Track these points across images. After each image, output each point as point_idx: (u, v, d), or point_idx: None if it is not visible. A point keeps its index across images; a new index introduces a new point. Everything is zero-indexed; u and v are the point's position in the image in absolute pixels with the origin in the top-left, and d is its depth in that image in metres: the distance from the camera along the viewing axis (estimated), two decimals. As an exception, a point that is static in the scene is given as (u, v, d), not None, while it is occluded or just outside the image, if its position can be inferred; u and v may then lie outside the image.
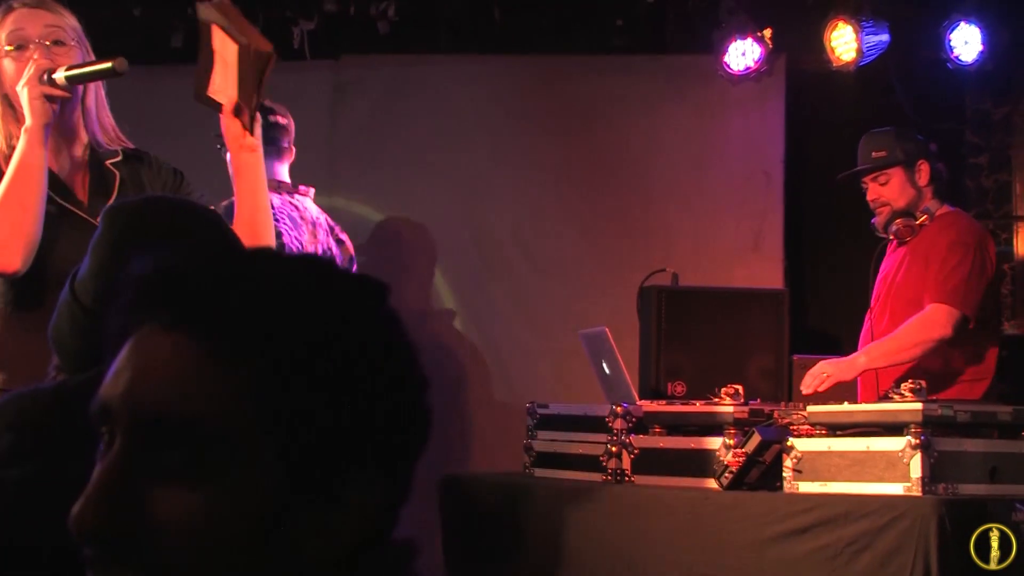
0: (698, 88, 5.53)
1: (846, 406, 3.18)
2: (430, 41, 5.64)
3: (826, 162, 5.45)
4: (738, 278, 5.25)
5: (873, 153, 4.02)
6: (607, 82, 5.56)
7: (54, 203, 2.63)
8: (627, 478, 3.51)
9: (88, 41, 2.74)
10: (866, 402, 3.61)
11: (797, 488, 3.10)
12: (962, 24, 5.09)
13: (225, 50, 2.62)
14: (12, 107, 2.65)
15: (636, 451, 3.50)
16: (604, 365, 3.82)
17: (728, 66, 5.31)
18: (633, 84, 5.55)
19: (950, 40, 5.11)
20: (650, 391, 3.87)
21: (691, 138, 5.53)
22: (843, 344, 4.45)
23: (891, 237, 4.02)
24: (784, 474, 3.12)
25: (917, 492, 2.89)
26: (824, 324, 5.60)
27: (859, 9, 5.07)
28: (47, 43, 2.64)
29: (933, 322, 3.76)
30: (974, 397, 3.76)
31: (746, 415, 3.29)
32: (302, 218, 4.27)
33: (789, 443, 3.12)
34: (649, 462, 3.48)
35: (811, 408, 3.19)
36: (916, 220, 3.96)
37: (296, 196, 4.31)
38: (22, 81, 2.58)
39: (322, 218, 4.37)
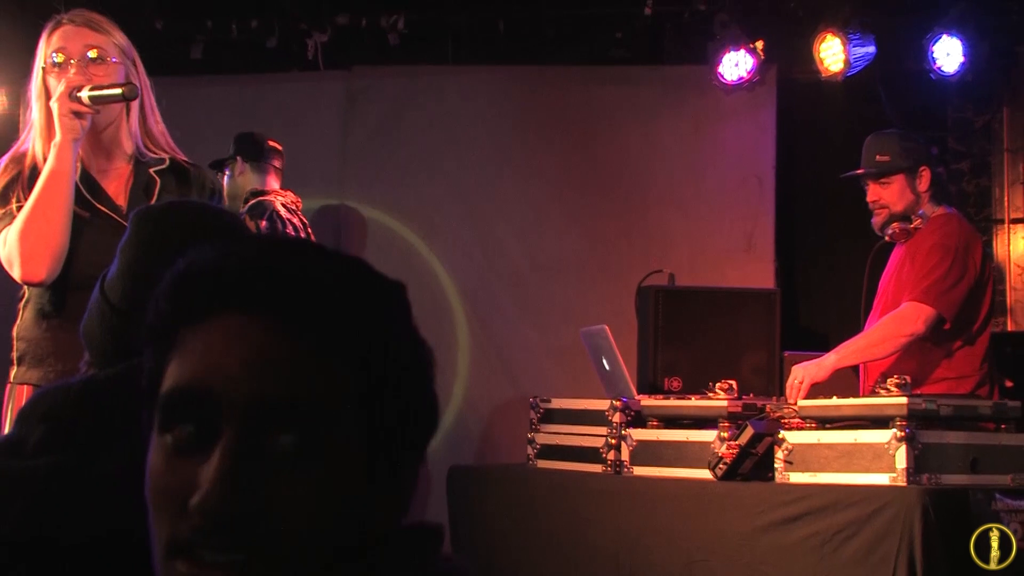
0: (693, 97, 5.58)
1: (835, 400, 3.18)
2: (438, 52, 5.71)
3: (816, 167, 5.59)
4: (732, 278, 5.28)
5: (877, 156, 3.93)
6: (607, 91, 5.62)
7: (91, 208, 2.69)
8: (626, 469, 3.53)
9: (139, 57, 2.78)
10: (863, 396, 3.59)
11: (788, 479, 3.13)
12: (944, 37, 5.21)
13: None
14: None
15: (634, 443, 3.52)
16: (604, 361, 3.87)
17: (722, 76, 5.39)
18: (632, 93, 5.61)
19: (933, 52, 5.22)
20: (648, 386, 3.94)
21: (687, 145, 5.58)
22: (831, 341, 4.34)
23: (887, 238, 3.98)
24: (776, 465, 3.16)
25: (902, 482, 2.91)
26: (814, 322, 5.64)
27: (847, 22, 5.18)
28: (86, 60, 2.68)
29: (905, 319, 3.69)
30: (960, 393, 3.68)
31: (739, 409, 3.31)
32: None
33: (780, 436, 3.16)
34: (647, 454, 3.50)
35: (801, 402, 3.24)
36: (911, 224, 3.90)
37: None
38: (54, 96, 2.64)
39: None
